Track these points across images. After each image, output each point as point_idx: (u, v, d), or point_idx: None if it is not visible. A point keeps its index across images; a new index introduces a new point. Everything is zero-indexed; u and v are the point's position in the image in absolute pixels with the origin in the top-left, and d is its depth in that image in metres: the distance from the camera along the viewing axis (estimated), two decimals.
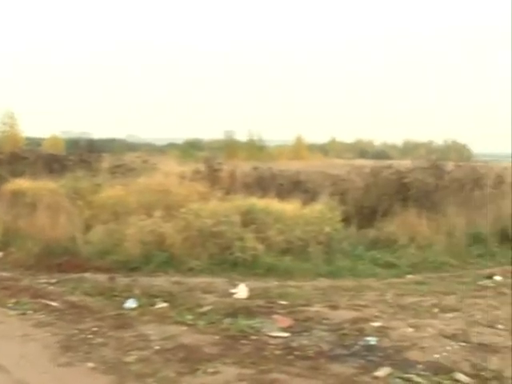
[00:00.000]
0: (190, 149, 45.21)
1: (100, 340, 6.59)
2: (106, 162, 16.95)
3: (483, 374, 5.69)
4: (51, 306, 8.00)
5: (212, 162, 15.33)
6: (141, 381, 5.44)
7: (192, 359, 5.97)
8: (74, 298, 8.41)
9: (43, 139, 49.47)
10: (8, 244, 11.48)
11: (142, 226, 10.83)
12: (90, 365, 5.83)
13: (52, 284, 9.30)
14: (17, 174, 14.60)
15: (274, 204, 12.04)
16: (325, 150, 70.20)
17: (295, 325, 7.26)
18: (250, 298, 8.63)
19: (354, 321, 7.43)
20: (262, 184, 14.09)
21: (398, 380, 5.52)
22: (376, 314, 7.81)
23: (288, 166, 22.94)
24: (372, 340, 6.66)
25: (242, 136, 57.49)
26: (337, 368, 5.81)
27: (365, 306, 8.21)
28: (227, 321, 7.33)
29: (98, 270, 10.09)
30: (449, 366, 5.86)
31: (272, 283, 9.63)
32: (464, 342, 6.65)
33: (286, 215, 11.58)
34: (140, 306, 7.99)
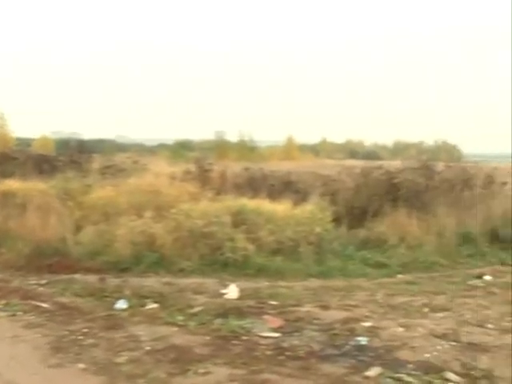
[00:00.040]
0: (181, 149, 45.11)
1: (90, 341, 6.57)
2: (97, 162, 16.91)
3: (473, 373, 5.72)
4: (41, 307, 7.97)
5: (202, 162, 15.32)
6: (131, 381, 5.43)
7: (183, 360, 5.96)
8: (64, 299, 8.38)
9: (33, 139, 49.21)
10: None
11: (132, 226, 10.82)
12: (81, 366, 5.81)
13: (42, 285, 9.26)
14: (7, 175, 14.57)
15: (264, 204, 12.05)
16: (316, 150, 70.21)
17: (286, 325, 7.27)
18: (240, 298, 8.63)
19: (345, 321, 7.45)
20: (252, 184, 14.10)
21: (388, 380, 5.53)
22: (367, 313, 7.83)
23: (279, 166, 22.97)
24: (363, 340, 6.67)
25: (232, 136, 57.39)
26: (328, 368, 5.82)
27: (355, 306, 8.24)
28: (218, 321, 7.33)
29: (89, 270, 10.06)
30: (439, 366, 5.88)
31: (263, 283, 9.63)
32: (454, 341, 6.68)
33: (276, 216, 11.59)
34: (130, 307, 7.98)
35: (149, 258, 10.43)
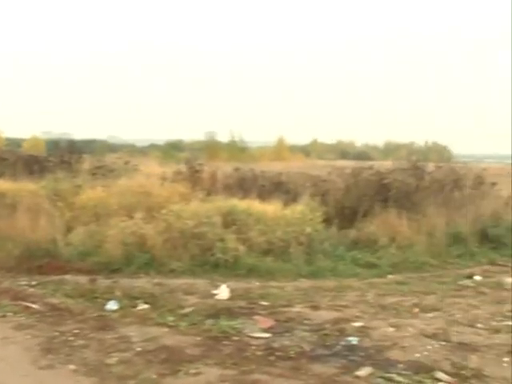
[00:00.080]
0: (172, 150, 45.13)
1: (81, 342, 6.56)
2: (87, 163, 16.88)
3: (463, 372, 5.75)
4: (32, 308, 7.95)
5: (193, 163, 15.31)
6: (122, 383, 5.42)
7: (174, 360, 5.96)
8: (54, 300, 8.35)
9: (23, 140, 49.09)
10: None
11: (123, 227, 10.80)
12: (72, 367, 5.80)
13: (32, 286, 9.23)
14: None
15: (255, 205, 12.05)
16: (306, 150, 70.23)
17: (277, 325, 7.28)
18: (231, 298, 8.63)
19: (336, 321, 7.47)
20: (243, 185, 14.10)
21: (379, 379, 5.55)
22: (357, 314, 7.86)
23: (269, 166, 22.97)
24: (353, 340, 6.69)
25: (223, 137, 57.47)
26: (318, 368, 5.83)
27: (346, 307, 8.26)
28: (209, 322, 7.34)
29: (79, 271, 10.03)
30: (429, 365, 5.91)
31: (253, 284, 9.64)
32: (444, 341, 6.71)
33: (267, 216, 11.60)
34: (121, 308, 7.96)
35: (139, 258, 10.42)
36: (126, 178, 14.04)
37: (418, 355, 6.21)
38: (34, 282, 9.42)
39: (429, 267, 11.30)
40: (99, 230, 11.15)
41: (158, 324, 7.27)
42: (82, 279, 9.53)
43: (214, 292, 8.92)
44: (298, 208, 12.02)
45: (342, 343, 6.62)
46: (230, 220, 11.30)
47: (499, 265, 11.71)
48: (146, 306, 8.05)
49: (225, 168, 16.81)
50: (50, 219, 11.58)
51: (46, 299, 8.42)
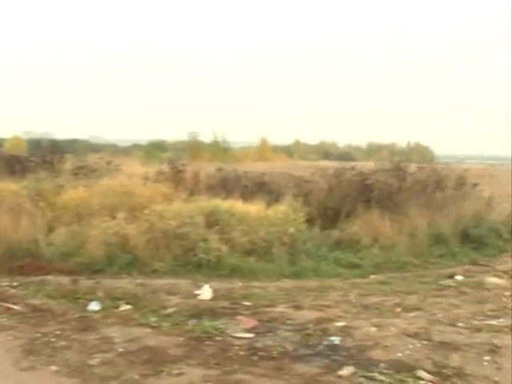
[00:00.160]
0: (154, 150, 45.01)
1: (63, 343, 6.53)
2: (69, 162, 16.77)
3: (445, 371, 5.79)
4: (13, 309, 7.90)
5: (176, 163, 15.29)
6: (105, 383, 5.40)
7: (156, 361, 5.96)
8: (36, 301, 8.30)
9: (4, 140, 48.65)
10: None
11: (105, 227, 10.76)
12: (54, 368, 5.78)
13: (14, 287, 9.16)
14: None
15: (238, 205, 12.06)
16: (289, 151, 70.28)
17: (259, 325, 7.29)
18: (214, 299, 8.63)
19: (318, 321, 7.49)
20: (226, 185, 14.09)
21: (361, 379, 5.57)
22: (339, 313, 7.88)
23: (252, 167, 22.97)
24: (336, 340, 6.71)
25: (206, 137, 57.23)
26: (301, 368, 5.85)
27: (328, 306, 8.28)
28: (191, 322, 7.33)
29: (61, 272, 9.97)
30: (411, 364, 5.94)
31: (236, 284, 9.64)
32: (426, 340, 6.75)
33: (250, 216, 11.60)
34: (103, 309, 7.94)
35: (122, 259, 10.39)
36: (109, 178, 14.00)
37: (399, 354, 6.24)
38: (15, 283, 9.35)
39: (411, 267, 11.36)
40: (81, 231, 11.11)
41: (141, 324, 7.25)
42: (64, 280, 9.48)
43: (197, 292, 8.91)
44: (281, 208, 12.04)
45: (325, 343, 6.64)
46: (212, 220, 11.29)
47: (480, 265, 11.80)
48: (128, 307, 8.03)
49: (208, 168, 16.80)
50: (32, 219, 11.51)
51: (28, 300, 8.37)
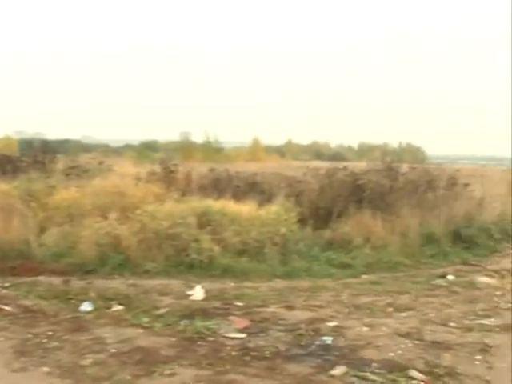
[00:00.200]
0: (146, 150, 44.89)
1: (55, 344, 6.52)
2: (61, 163, 16.69)
3: (437, 370, 5.82)
4: (4, 310, 7.87)
5: (168, 163, 15.27)
6: None
7: (148, 361, 5.95)
8: (28, 302, 8.28)
9: None
10: None
11: (97, 228, 10.74)
12: (45, 369, 5.76)
13: (5, 288, 9.14)
14: None
15: (230, 205, 12.06)
16: (281, 151, 70.25)
17: (252, 326, 7.29)
18: (206, 299, 8.63)
19: (310, 321, 7.50)
20: (218, 185, 14.09)
21: (353, 378, 5.59)
22: (332, 313, 7.90)
23: (244, 167, 22.94)
24: (328, 340, 6.73)
25: (198, 137, 57.09)
26: (293, 368, 5.86)
27: (320, 307, 8.29)
28: (184, 322, 7.33)
29: (53, 273, 9.95)
30: (403, 364, 5.96)
31: (228, 284, 9.65)
32: (418, 340, 6.77)
33: (242, 217, 11.60)
34: (96, 309, 7.93)
35: (114, 259, 10.37)
36: (100, 179, 13.97)
37: (391, 354, 6.26)
38: (6, 284, 9.32)
39: (402, 267, 11.39)
40: (73, 231, 11.08)
41: (133, 325, 7.25)
42: (56, 280, 9.46)
43: (189, 293, 8.91)
44: (273, 208, 12.05)
45: (317, 343, 6.65)
46: (204, 220, 11.29)
47: (472, 264, 11.85)
48: (120, 307, 8.02)
49: (200, 168, 16.77)
50: (23, 220, 11.48)
51: (19, 301, 8.34)
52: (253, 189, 13.87)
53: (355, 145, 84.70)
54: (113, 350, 6.30)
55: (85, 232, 10.74)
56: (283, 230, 11.37)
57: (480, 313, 8.06)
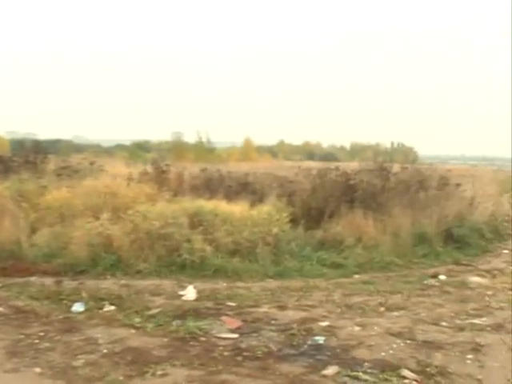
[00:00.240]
0: (138, 150, 44.91)
1: (47, 344, 6.50)
2: (52, 163, 16.64)
3: (428, 370, 5.84)
4: None
5: (160, 163, 15.28)
6: None
7: (140, 362, 5.94)
8: (19, 303, 8.25)
9: None
10: None
11: (88, 228, 10.71)
12: (37, 370, 5.74)
13: None
14: None
15: (222, 206, 12.05)
16: (273, 151, 70.41)
17: (244, 326, 7.29)
18: (198, 299, 8.62)
19: (302, 321, 7.51)
20: (210, 186, 14.09)
21: (345, 378, 5.60)
22: (324, 313, 7.91)
23: (237, 167, 22.95)
24: (320, 339, 6.74)
25: (190, 137, 57.06)
26: (286, 368, 5.86)
27: (313, 306, 8.31)
28: (176, 323, 7.32)
29: (45, 273, 9.92)
30: (395, 363, 5.98)
31: (220, 284, 9.64)
32: (410, 339, 6.80)
33: (233, 217, 11.59)
34: (88, 310, 7.91)
35: (106, 259, 10.35)
36: (92, 179, 13.92)
37: (383, 354, 6.28)
38: None
39: (394, 267, 11.41)
40: (65, 231, 11.05)
41: (125, 325, 7.24)
42: (48, 281, 9.43)
43: (181, 293, 8.91)
44: (265, 209, 12.05)
45: (309, 343, 6.66)
46: (196, 221, 11.28)
47: (463, 264, 11.90)
48: (112, 308, 8.00)
49: (192, 169, 16.77)
50: (15, 220, 11.44)
51: (11, 302, 8.31)
52: (245, 189, 13.88)
53: (347, 145, 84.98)
54: (105, 351, 6.29)
55: (76, 232, 10.71)
56: (275, 230, 11.37)
57: (471, 312, 8.10)
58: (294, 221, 12.16)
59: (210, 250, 10.68)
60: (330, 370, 5.76)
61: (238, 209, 12.00)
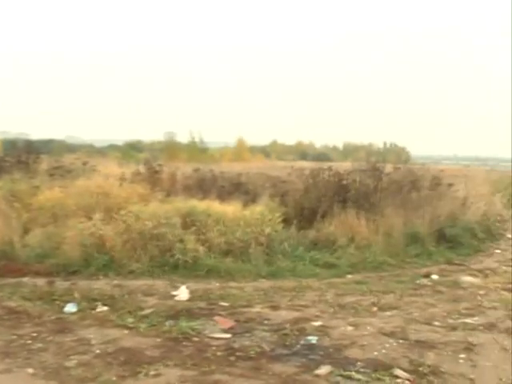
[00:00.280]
0: (131, 150, 44.84)
1: (40, 345, 6.49)
2: (45, 163, 16.61)
3: (421, 369, 5.86)
4: None
5: (152, 163, 15.28)
6: None
7: (133, 362, 5.94)
8: (12, 304, 8.22)
9: None
10: None
11: (81, 228, 10.69)
12: (30, 371, 5.73)
13: None
14: None
15: (214, 206, 12.04)
16: (266, 151, 70.45)
17: (237, 326, 7.30)
18: (191, 299, 8.62)
19: (295, 321, 7.52)
20: (203, 186, 14.09)
21: (338, 377, 5.61)
22: (316, 313, 7.92)
23: (229, 167, 22.97)
24: (313, 339, 6.75)
25: (183, 138, 57.00)
26: (278, 367, 5.87)
27: (305, 306, 8.31)
28: (169, 323, 7.32)
29: (37, 274, 9.89)
30: (388, 363, 5.99)
31: (213, 285, 9.64)
32: (402, 339, 6.81)
33: (226, 217, 11.59)
34: (80, 310, 7.89)
35: (98, 260, 10.32)
36: (85, 179, 13.89)
37: (376, 353, 6.30)
38: None
39: (387, 267, 11.43)
40: (57, 232, 11.02)
41: (118, 326, 7.23)
42: (40, 281, 9.41)
43: (174, 293, 8.90)
44: (258, 209, 12.05)
45: (302, 342, 6.67)
46: (189, 221, 11.27)
47: (456, 264, 11.93)
48: (105, 308, 7.99)
49: (184, 169, 16.77)
50: (7, 220, 11.40)
51: (3, 302, 8.28)
52: (238, 189, 13.89)
53: (340, 145, 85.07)
54: (98, 351, 6.28)
55: (69, 232, 10.69)
56: (268, 230, 11.38)
57: (464, 312, 8.12)
58: (286, 221, 12.17)
59: (203, 250, 10.68)
60: (323, 370, 5.77)
61: (230, 209, 12.00)
